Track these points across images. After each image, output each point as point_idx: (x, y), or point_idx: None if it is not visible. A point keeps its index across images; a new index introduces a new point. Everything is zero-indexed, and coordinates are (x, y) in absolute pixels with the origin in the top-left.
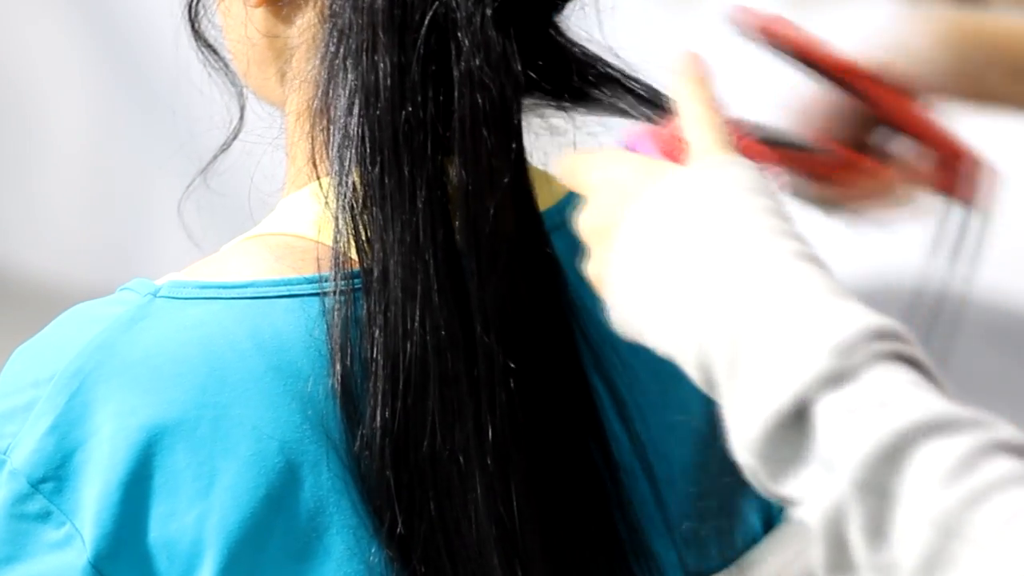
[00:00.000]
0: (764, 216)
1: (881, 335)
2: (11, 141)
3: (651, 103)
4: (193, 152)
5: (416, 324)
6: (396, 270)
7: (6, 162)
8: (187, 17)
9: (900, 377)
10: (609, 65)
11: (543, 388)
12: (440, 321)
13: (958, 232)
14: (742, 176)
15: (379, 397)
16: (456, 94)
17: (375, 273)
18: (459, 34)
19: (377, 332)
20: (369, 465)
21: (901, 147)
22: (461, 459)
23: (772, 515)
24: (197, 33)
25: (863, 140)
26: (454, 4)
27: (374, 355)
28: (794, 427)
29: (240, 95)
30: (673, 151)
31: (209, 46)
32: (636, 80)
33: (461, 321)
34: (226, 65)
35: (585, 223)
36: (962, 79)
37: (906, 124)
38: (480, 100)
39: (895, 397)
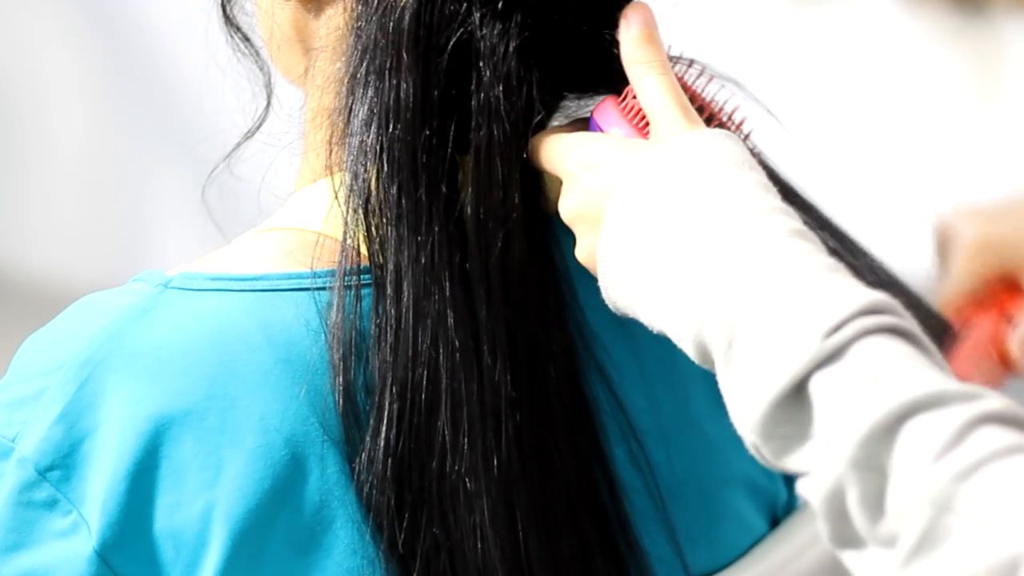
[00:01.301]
0: (753, 192)
1: (871, 310)
2: (11, 141)
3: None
4: (194, 152)
5: (427, 345)
6: (409, 290)
7: (6, 162)
8: (219, 2)
9: (891, 351)
10: None
11: (548, 415)
12: (455, 343)
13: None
14: (726, 149)
15: (384, 415)
16: (473, 123)
17: (387, 290)
18: (481, 64)
19: (388, 350)
20: (370, 480)
21: None
22: (468, 482)
23: (778, 514)
24: (228, 19)
25: None
26: (479, 34)
27: (382, 373)
28: (793, 406)
29: (268, 84)
30: (641, 125)
31: (239, 30)
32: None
33: (475, 345)
34: (257, 53)
35: (568, 208)
36: None
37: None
38: (496, 131)
39: (886, 373)
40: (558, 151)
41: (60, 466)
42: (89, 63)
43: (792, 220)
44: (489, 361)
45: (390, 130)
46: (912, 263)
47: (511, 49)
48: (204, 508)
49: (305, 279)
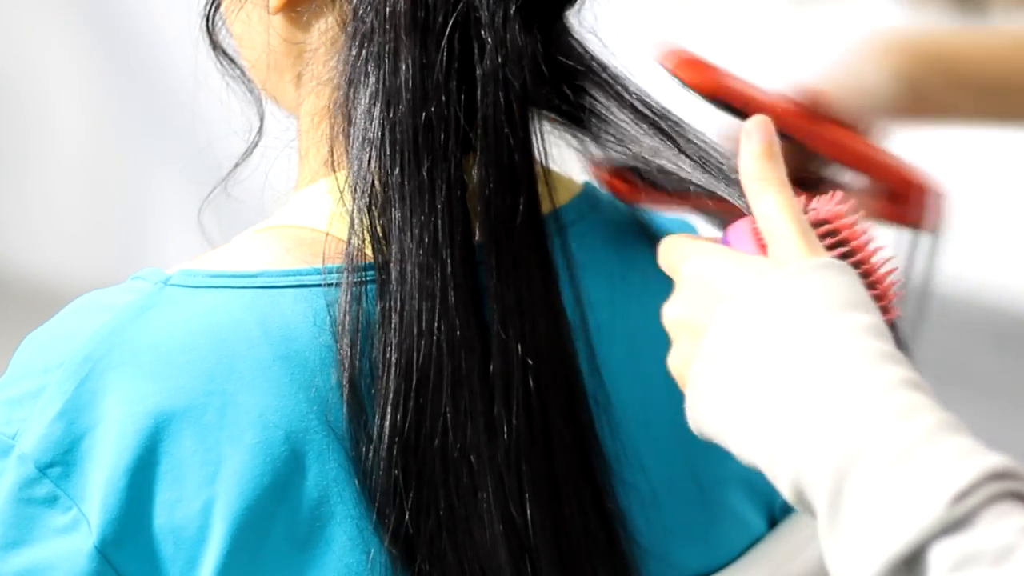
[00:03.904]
0: (864, 336)
1: (997, 476)
2: (11, 141)
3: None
4: (195, 152)
5: (431, 324)
6: (413, 271)
7: (6, 162)
8: (204, 27)
9: (1018, 520)
10: (608, 80)
11: (556, 387)
12: (456, 321)
13: (910, 255)
14: (837, 286)
15: (390, 396)
16: (479, 92)
17: (392, 273)
18: (482, 32)
19: (392, 331)
20: (375, 463)
21: (853, 179)
22: (472, 458)
23: (776, 514)
24: (215, 43)
25: (814, 175)
26: (477, 3)
27: (387, 355)
28: (906, 571)
29: (259, 102)
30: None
31: (226, 54)
32: (647, 105)
33: (477, 321)
34: (243, 73)
35: (672, 313)
36: (919, 103)
37: (850, 159)
38: (503, 97)
39: (1015, 548)
40: (679, 253)
41: (60, 463)
42: (89, 62)
43: (905, 369)
44: (500, 330)
45: (391, 114)
46: (909, 262)
47: (512, 13)
48: (204, 504)
49: (304, 276)
